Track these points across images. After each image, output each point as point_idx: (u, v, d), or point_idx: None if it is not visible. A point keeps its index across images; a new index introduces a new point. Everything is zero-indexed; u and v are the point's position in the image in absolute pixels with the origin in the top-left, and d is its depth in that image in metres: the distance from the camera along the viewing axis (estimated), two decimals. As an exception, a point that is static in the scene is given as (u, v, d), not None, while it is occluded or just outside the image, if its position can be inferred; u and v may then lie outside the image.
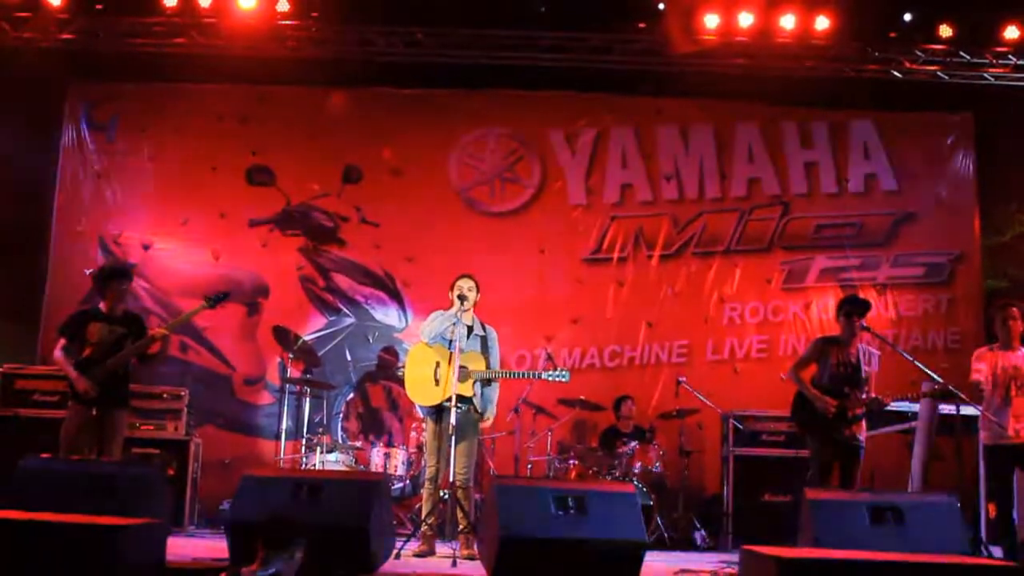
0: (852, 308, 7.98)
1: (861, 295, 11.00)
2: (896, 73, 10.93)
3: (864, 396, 7.73)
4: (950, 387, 7.59)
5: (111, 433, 7.56)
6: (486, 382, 7.70)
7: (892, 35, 10.71)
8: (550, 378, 7.74)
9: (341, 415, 10.39)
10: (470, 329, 7.72)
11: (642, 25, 10.72)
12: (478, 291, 7.77)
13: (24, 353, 10.64)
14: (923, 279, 11.52)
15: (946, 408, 8.06)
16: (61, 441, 7.53)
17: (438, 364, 7.63)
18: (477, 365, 7.59)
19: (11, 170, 10.56)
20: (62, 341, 7.63)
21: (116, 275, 7.85)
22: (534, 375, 7.92)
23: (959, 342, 11.27)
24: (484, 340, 7.80)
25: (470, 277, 7.79)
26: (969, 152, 11.68)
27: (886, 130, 11.70)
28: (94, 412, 7.50)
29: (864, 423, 7.84)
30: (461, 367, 7.47)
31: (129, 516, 5.47)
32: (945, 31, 10.50)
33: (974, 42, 10.66)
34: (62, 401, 8.91)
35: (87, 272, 7.96)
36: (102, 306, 7.73)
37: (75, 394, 7.53)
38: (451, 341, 7.50)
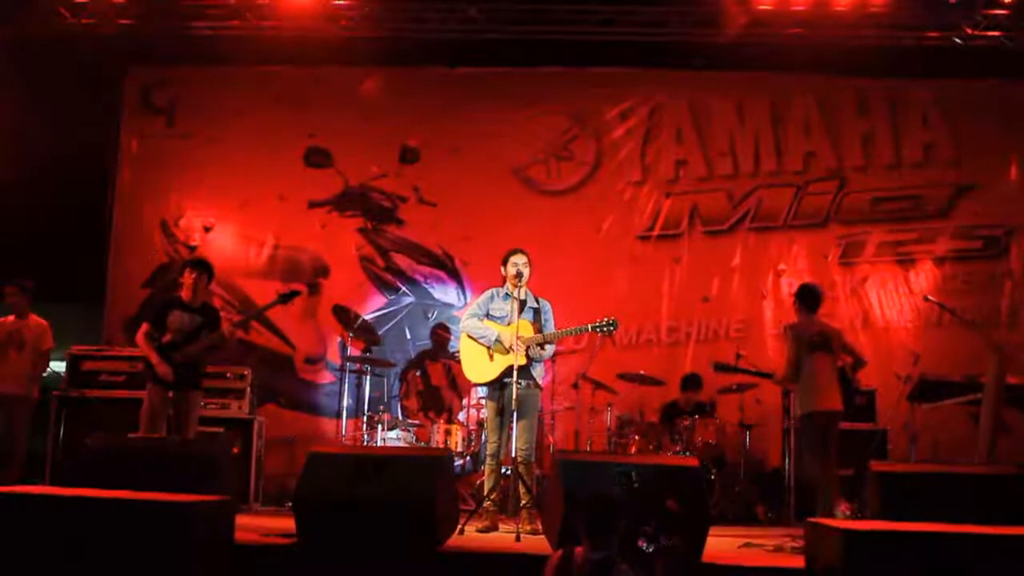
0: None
1: (919, 267, 11.06)
2: (957, 40, 10.70)
3: None
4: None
5: (187, 413, 8.03)
6: (540, 347, 7.72)
7: (952, 1, 10.49)
8: (600, 330, 7.73)
9: (401, 393, 10.46)
10: (523, 303, 7.72)
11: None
12: (531, 266, 7.79)
13: (88, 335, 10.84)
14: (982, 251, 11.33)
15: (1014, 380, 8.00)
16: (141, 420, 7.97)
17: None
18: (527, 333, 7.62)
19: (73, 155, 10.71)
20: (146, 327, 8.11)
21: (207, 270, 8.35)
22: (583, 330, 7.90)
23: (1016, 315, 11.11)
24: (537, 312, 7.82)
25: (524, 252, 7.79)
26: (1031, 121, 11.46)
27: (946, 99, 11.50)
28: (170, 394, 7.95)
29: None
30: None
31: (195, 493, 5.56)
32: (1007, -5, 10.29)
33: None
34: (128, 382, 9.28)
35: (184, 262, 8.36)
36: (183, 295, 8.19)
37: (154, 377, 7.93)
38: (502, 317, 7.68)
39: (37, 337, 9.19)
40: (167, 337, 7.99)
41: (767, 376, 8.80)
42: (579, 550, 4.57)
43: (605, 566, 4.44)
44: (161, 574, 5.03)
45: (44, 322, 9.29)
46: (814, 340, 8.18)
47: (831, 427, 8.17)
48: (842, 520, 7.75)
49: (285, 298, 8.40)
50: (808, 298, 8.42)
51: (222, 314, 8.58)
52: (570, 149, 11.67)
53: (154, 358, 7.91)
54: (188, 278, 8.18)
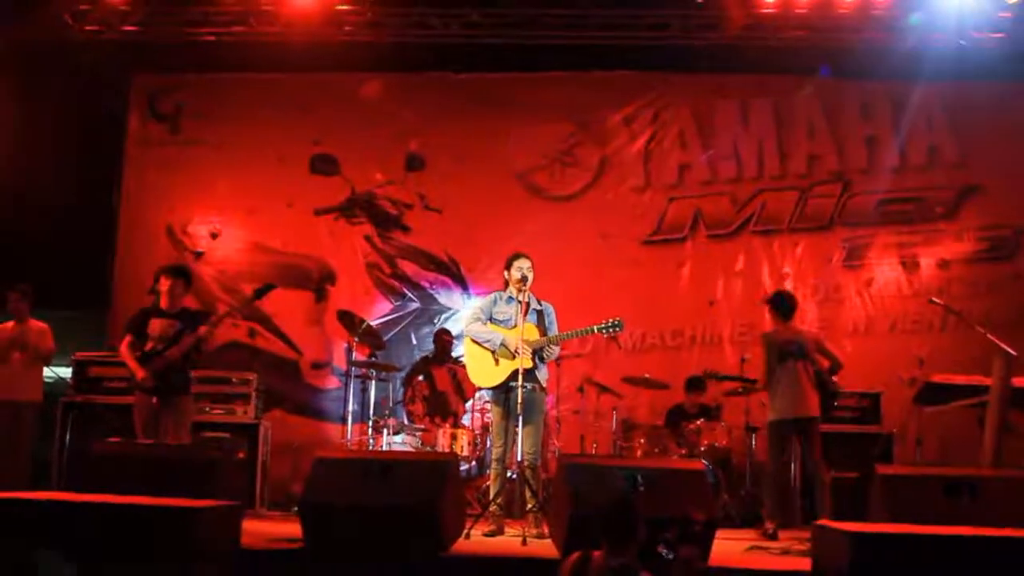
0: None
1: (924, 270, 11.05)
2: (961, 41, 10.67)
3: None
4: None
5: (175, 418, 8.00)
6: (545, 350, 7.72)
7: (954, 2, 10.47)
8: (605, 331, 7.73)
9: (406, 398, 10.47)
10: (527, 306, 7.71)
11: (700, 0, 10.61)
12: (535, 270, 7.79)
13: (94, 340, 10.85)
14: (988, 253, 11.30)
15: (1020, 382, 7.98)
16: (135, 427, 8.00)
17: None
18: (532, 337, 7.62)
19: (79, 161, 10.74)
20: (128, 338, 8.14)
21: (183, 276, 8.40)
22: (588, 331, 7.90)
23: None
24: (541, 315, 7.82)
25: (527, 257, 7.80)
26: (1036, 121, 11.41)
27: (949, 100, 11.47)
28: (154, 400, 7.94)
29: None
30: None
31: (199, 498, 5.57)
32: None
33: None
34: (132, 388, 9.21)
35: (159, 270, 8.41)
36: (161, 302, 8.22)
37: (136, 384, 7.99)
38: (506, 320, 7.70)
39: (38, 340, 9.27)
40: (148, 345, 8.02)
41: (751, 382, 8.92)
42: (597, 554, 4.55)
43: (624, 572, 4.42)
44: (168, 579, 5.05)
45: (44, 325, 9.37)
46: (785, 348, 8.24)
47: (807, 432, 8.19)
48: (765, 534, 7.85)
49: (260, 293, 8.42)
50: (780, 305, 8.52)
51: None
52: (574, 154, 11.67)
53: (132, 364, 7.95)
54: (164, 285, 8.21)
